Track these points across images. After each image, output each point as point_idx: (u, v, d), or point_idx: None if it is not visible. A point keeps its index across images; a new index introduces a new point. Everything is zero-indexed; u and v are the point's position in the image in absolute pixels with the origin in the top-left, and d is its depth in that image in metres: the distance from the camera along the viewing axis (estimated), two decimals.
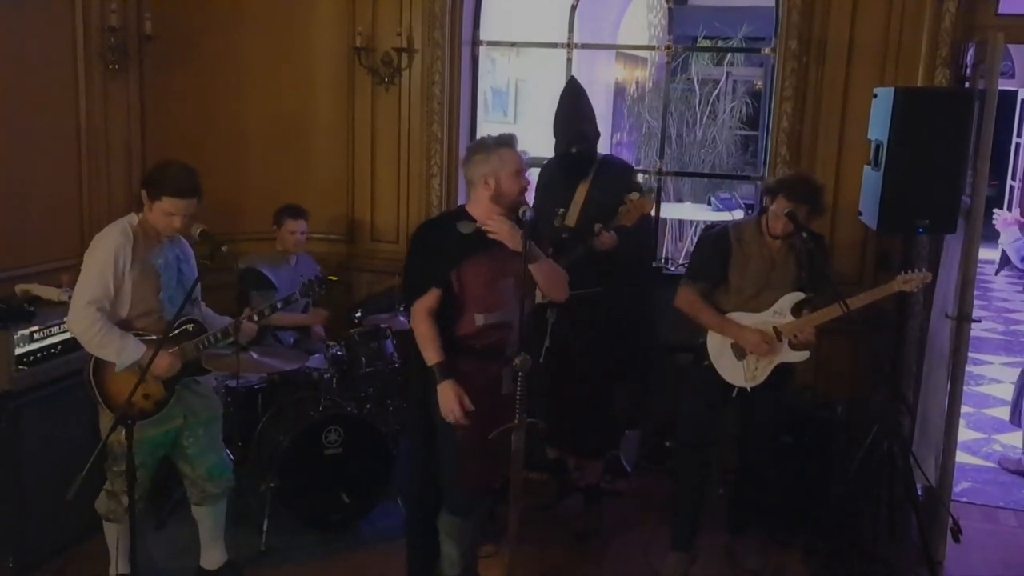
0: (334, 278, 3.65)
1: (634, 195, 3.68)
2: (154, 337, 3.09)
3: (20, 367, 3.43)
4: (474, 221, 2.98)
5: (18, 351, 3.42)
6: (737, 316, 3.55)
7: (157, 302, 3.15)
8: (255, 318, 3.30)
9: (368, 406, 4.33)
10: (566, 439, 4.01)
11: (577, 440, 4.01)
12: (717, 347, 3.59)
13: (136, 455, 3.10)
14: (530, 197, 3.17)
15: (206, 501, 3.41)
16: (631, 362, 4.06)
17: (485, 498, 3.40)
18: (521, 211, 2.88)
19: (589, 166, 3.89)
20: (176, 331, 3.16)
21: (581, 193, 3.86)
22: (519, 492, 2.75)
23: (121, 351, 3.03)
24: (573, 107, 3.94)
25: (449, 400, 2.91)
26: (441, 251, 3.00)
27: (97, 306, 3.02)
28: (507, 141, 3.00)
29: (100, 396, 3.12)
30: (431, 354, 2.97)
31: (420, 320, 3.00)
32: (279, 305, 3.39)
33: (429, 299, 2.98)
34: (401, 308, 4.63)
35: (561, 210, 3.85)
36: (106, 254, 3.03)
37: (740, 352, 3.55)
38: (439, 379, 2.95)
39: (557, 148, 3.91)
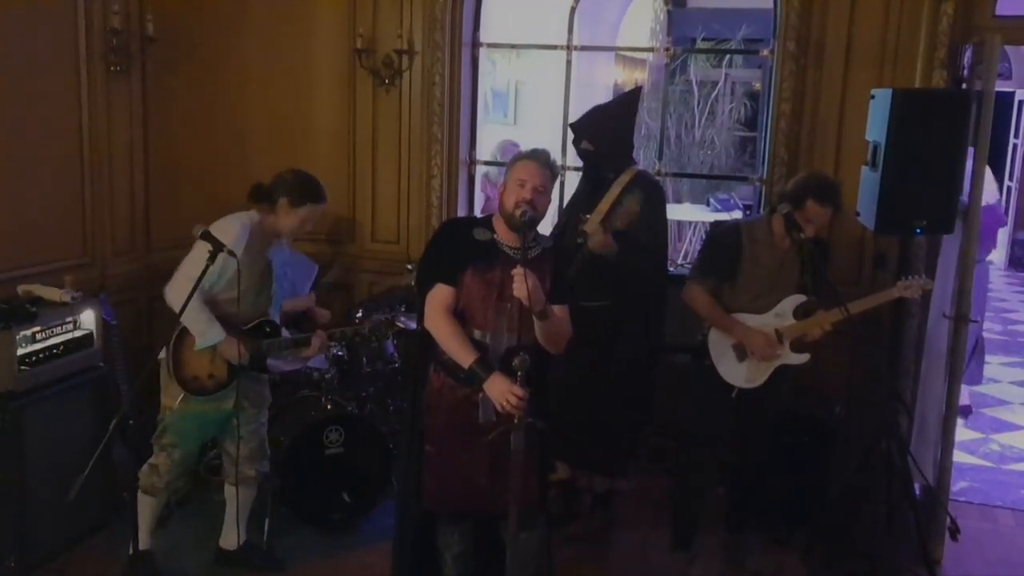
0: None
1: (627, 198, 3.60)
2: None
3: (22, 367, 3.44)
4: (493, 232, 2.90)
5: (20, 351, 3.43)
6: (740, 317, 3.57)
7: (253, 295, 3.33)
8: (331, 338, 3.59)
9: (369, 406, 4.34)
10: (583, 459, 3.91)
11: (597, 461, 3.91)
12: (718, 347, 3.60)
13: (183, 428, 3.37)
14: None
15: (241, 482, 3.52)
16: (637, 372, 3.89)
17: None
18: (520, 211, 2.78)
19: (616, 174, 3.76)
20: (252, 327, 3.40)
21: (607, 202, 3.70)
22: (519, 492, 2.75)
23: (207, 331, 3.22)
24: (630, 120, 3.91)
25: (502, 392, 2.69)
26: (451, 249, 2.93)
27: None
28: (534, 155, 2.90)
29: (172, 364, 3.30)
30: (464, 355, 2.79)
31: (434, 315, 2.88)
32: (355, 331, 3.71)
33: (440, 295, 2.88)
34: (402, 308, 4.65)
35: (587, 216, 3.68)
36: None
37: (741, 353, 3.57)
38: (484, 376, 2.75)
39: (593, 157, 3.79)
